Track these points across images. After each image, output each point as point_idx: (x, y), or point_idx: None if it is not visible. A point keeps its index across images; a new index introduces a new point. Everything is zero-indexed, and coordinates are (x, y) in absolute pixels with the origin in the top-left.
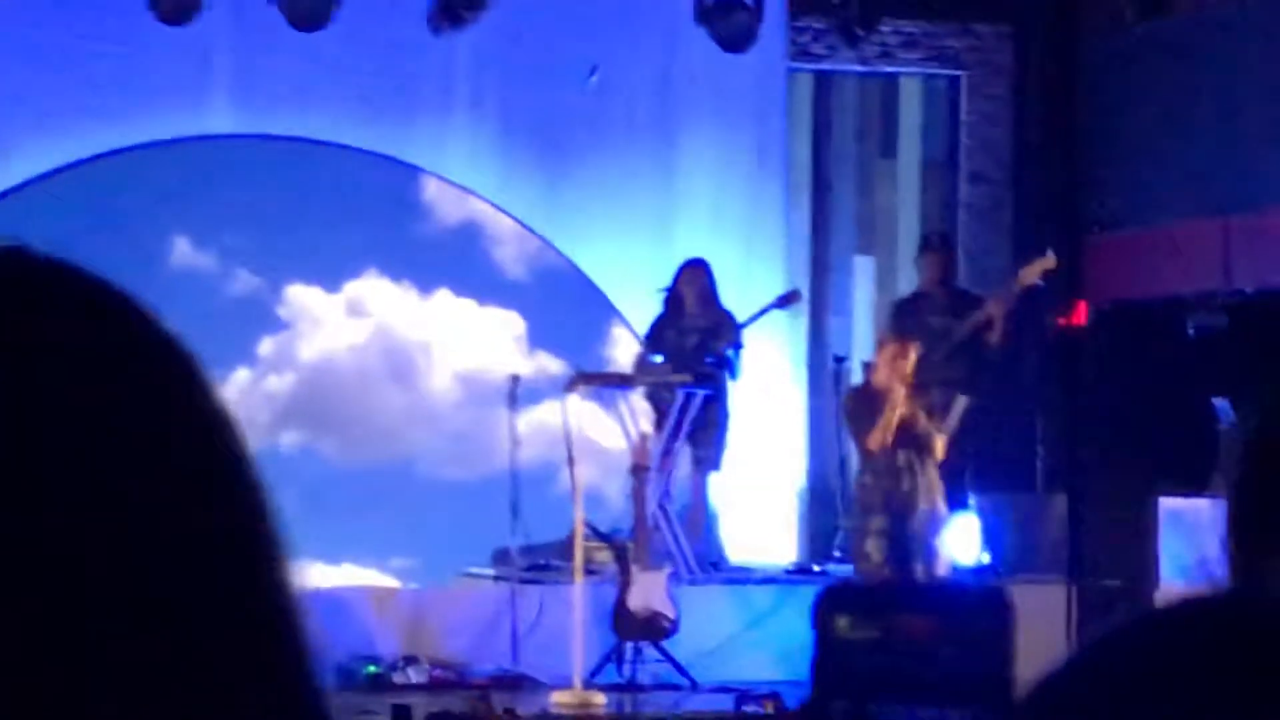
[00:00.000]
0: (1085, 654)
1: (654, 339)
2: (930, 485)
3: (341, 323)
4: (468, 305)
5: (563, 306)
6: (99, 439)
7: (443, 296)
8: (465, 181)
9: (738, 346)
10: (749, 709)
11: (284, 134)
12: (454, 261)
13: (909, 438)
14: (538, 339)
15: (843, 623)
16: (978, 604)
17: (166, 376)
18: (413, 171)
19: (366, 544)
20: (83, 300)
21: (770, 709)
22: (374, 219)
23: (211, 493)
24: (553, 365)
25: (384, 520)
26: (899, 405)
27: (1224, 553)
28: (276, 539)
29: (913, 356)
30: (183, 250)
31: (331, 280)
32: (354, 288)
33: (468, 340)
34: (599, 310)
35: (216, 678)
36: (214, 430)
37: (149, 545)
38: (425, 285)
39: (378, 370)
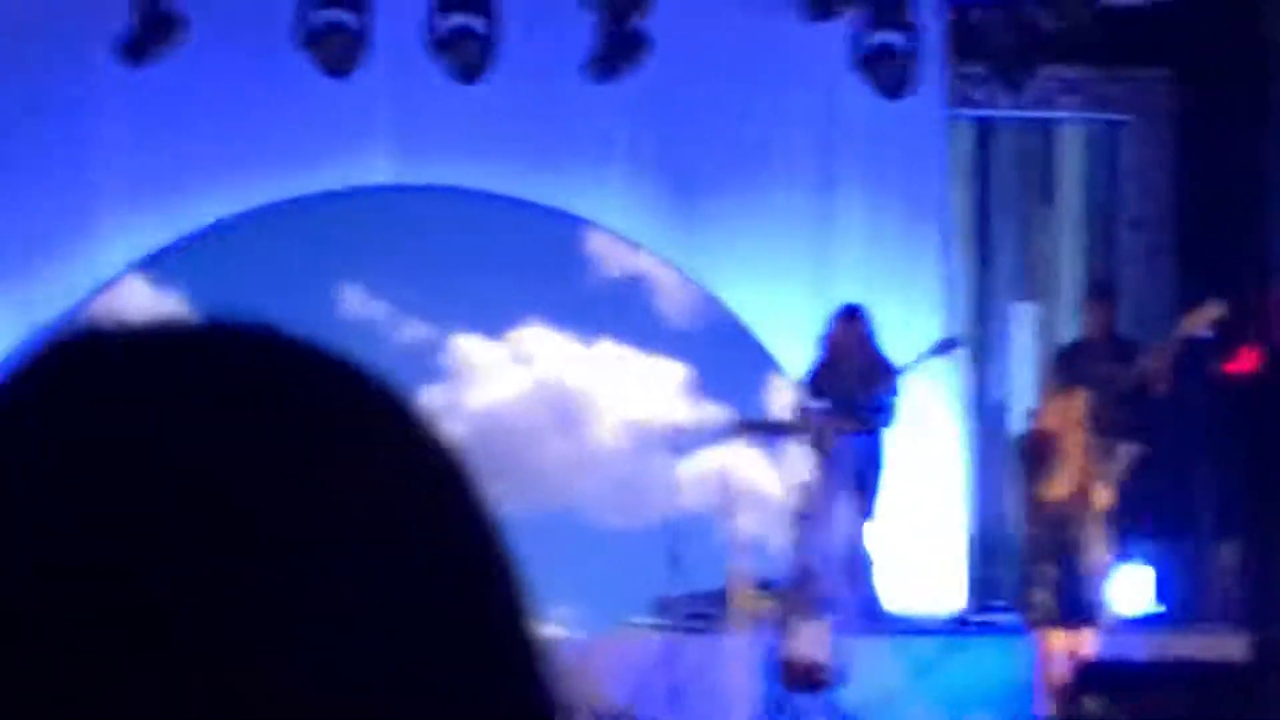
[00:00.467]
0: None
1: (812, 386)
2: (1099, 534)
3: (505, 372)
4: (630, 354)
5: (725, 355)
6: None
7: (605, 345)
8: (621, 229)
9: (895, 393)
10: None
11: (443, 185)
12: (616, 311)
13: (1078, 487)
14: (701, 388)
15: (1093, 705)
16: (1226, 682)
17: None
18: (575, 222)
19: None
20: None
21: None
22: (536, 269)
23: (450, 545)
24: (716, 414)
25: (547, 569)
26: (1068, 453)
27: None
28: (519, 590)
29: (1081, 404)
30: (351, 300)
31: (494, 329)
32: (517, 337)
33: (631, 389)
34: (759, 359)
35: None
36: (446, 480)
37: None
38: (588, 334)
39: (541, 419)
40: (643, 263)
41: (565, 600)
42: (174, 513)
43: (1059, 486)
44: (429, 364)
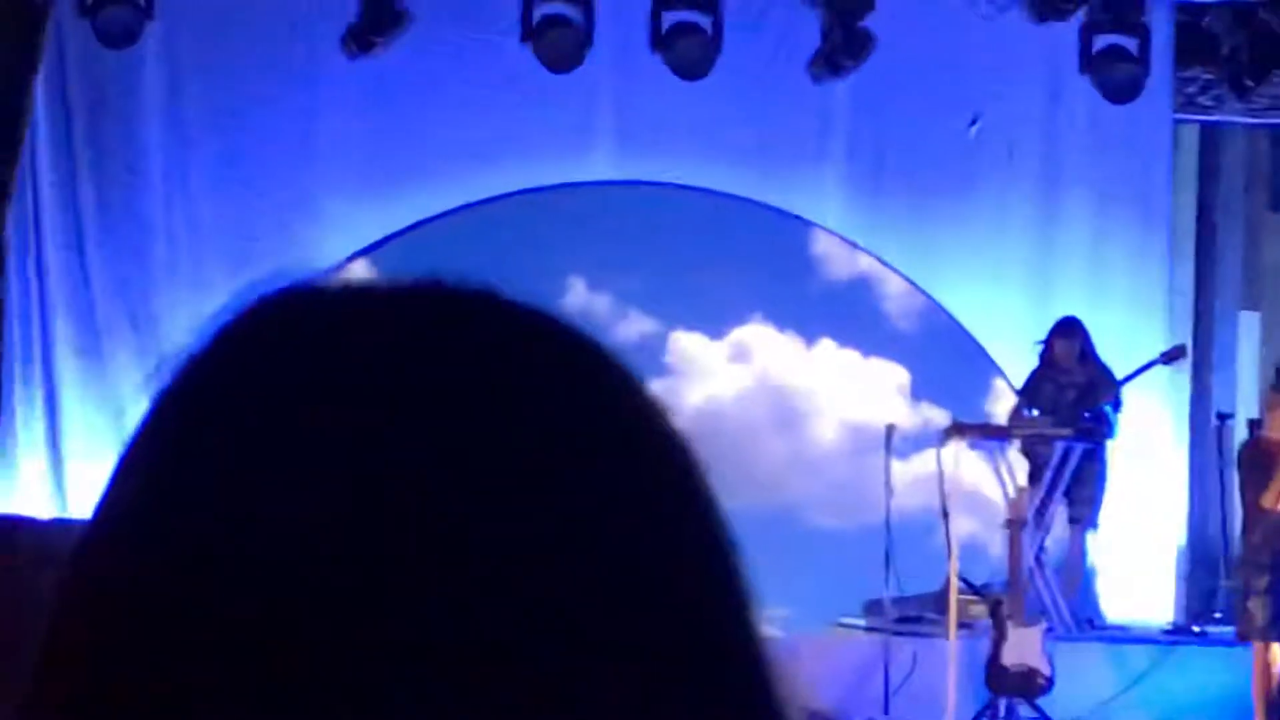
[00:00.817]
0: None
1: (1030, 392)
2: None
3: (725, 370)
4: (851, 356)
5: (946, 359)
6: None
7: (826, 346)
8: (841, 228)
9: (1117, 403)
10: None
11: (669, 181)
12: (837, 312)
13: None
14: (921, 390)
15: None
16: None
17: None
18: (800, 223)
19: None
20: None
21: None
22: (759, 268)
23: (687, 538)
24: (936, 416)
25: (763, 568)
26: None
27: None
28: (748, 586)
29: None
30: (576, 292)
31: (717, 327)
32: (738, 335)
33: (852, 390)
34: (980, 363)
35: None
36: (682, 469)
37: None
38: (809, 335)
39: (761, 418)
40: (865, 265)
41: (779, 600)
42: (403, 470)
43: (1274, 494)
44: (651, 359)
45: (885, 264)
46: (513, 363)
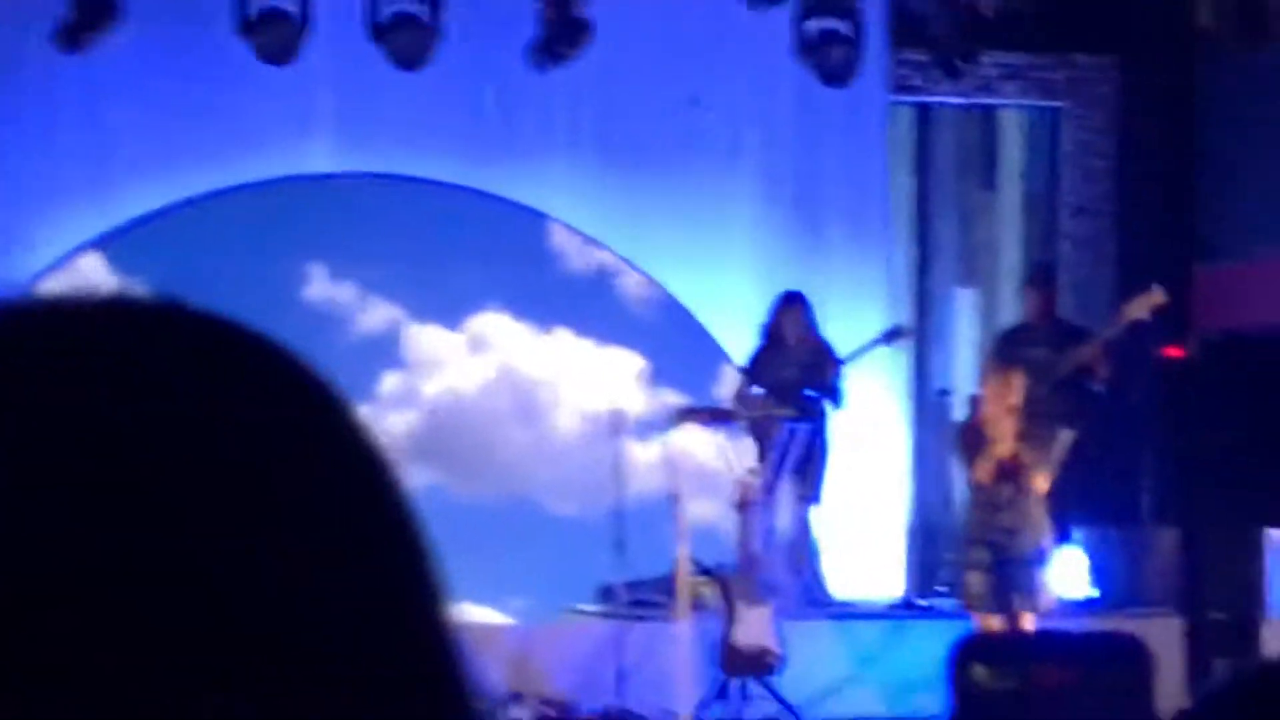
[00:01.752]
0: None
1: (753, 372)
2: (1036, 519)
3: (464, 360)
4: (588, 345)
5: (679, 346)
6: (251, 484)
7: (563, 336)
8: (566, 217)
9: (839, 380)
10: None
11: (386, 172)
12: (573, 301)
13: (1014, 471)
14: (658, 377)
15: (980, 673)
16: (1116, 653)
17: (317, 418)
18: (532, 215)
19: (485, 582)
20: (237, 355)
21: None
22: (495, 259)
23: (369, 534)
24: (674, 402)
25: (503, 558)
26: (1004, 437)
27: None
28: (435, 579)
29: (1018, 387)
30: (318, 281)
31: (453, 318)
32: (476, 325)
33: (590, 378)
34: (709, 349)
35: None
36: (363, 467)
37: (305, 589)
38: (545, 324)
39: (501, 408)
40: (598, 255)
41: (522, 590)
42: (85, 487)
43: (995, 471)
44: (390, 350)
45: (615, 253)
46: (189, 374)
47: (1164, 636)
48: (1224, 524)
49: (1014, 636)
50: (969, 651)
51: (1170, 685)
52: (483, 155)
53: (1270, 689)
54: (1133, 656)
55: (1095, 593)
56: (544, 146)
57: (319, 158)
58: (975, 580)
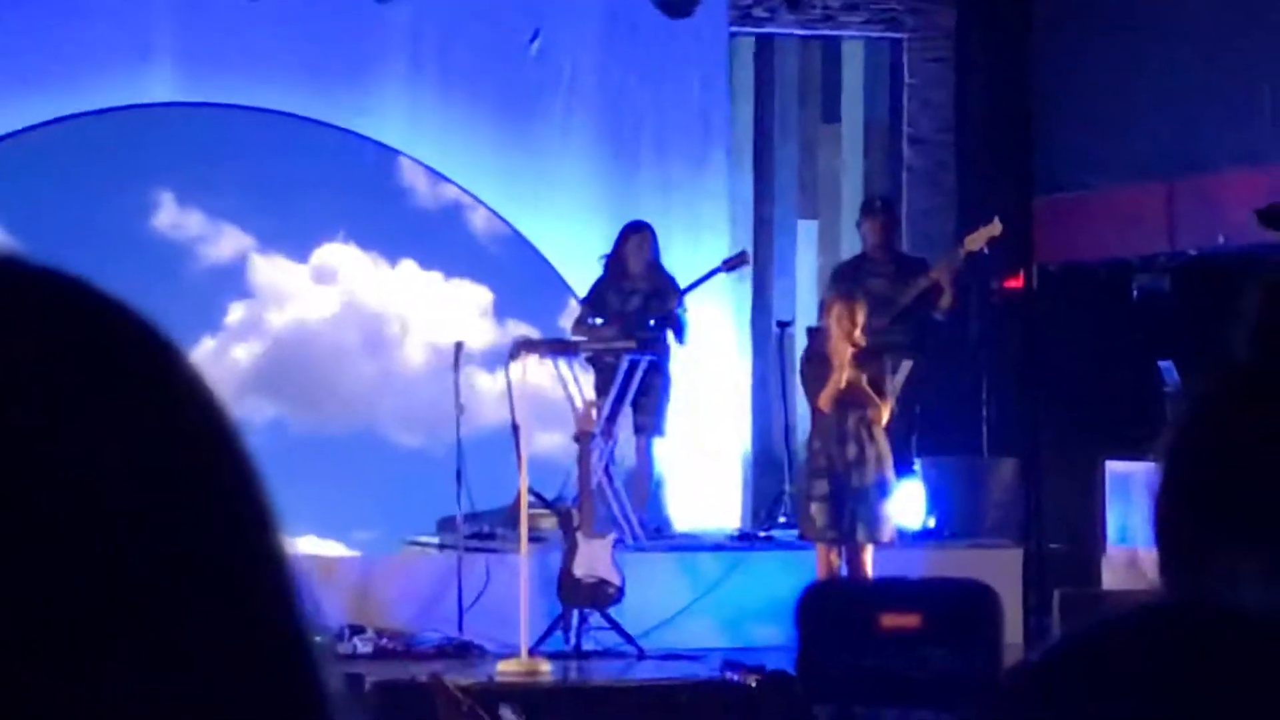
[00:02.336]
0: (1038, 664)
1: (594, 302)
2: (877, 450)
3: (310, 291)
4: (435, 277)
5: (525, 278)
6: (76, 425)
7: (409, 268)
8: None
9: (682, 310)
10: (732, 676)
11: (227, 102)
12: (420, 234)
13: (855, 401)
14: (505, 310)
15: (827, 622)
16: (963, 599)
17: (143, 361)
18: (383, 150)
19: (328, 515)
20: (55, 301)
21: (753, 681)
22: (340, 190)
23: (198, 467)
24: (522, 334)
25: (346, 491)
26: (845, 367)
27: (1156, 542)
28: (269, 511)
29: (860, 318)
30: (158, 215)
31: (300, 250)
32: (322, 256)
33: (436, 311)
34: (555, 283)
35: (210, 657)
36: (191, 404)
37: (137, 524)
38: (392, 256)
39: (346, 339)
40: (447, 191)
41: (359, 520)
42: None
43: (837, 401)
44: (238, 280)
45: (461, 188)
46: (20, 325)
47: (1003, 567)
48: (1063, 455)
49: (861, 583)
50: (815, 598)
51: (1009, 616)
52: (327, 88)
53: (1107, 648)
54: (980, 602)
55: (933, 523)
56: (387, 79)
57: (160, 86)
58: (816, 511)
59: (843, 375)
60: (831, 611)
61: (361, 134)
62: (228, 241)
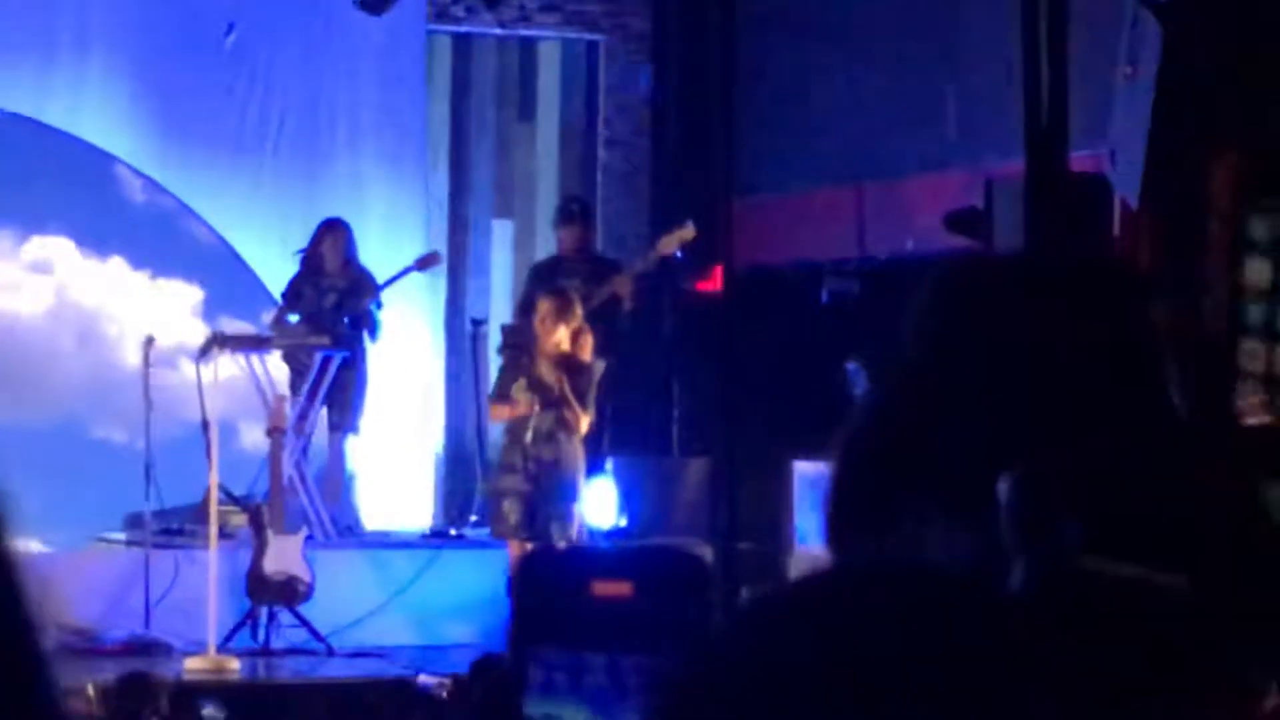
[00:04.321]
0: (717, 638)
1: (290, 298)
2: (571, 449)
3: (23, 282)
4: (142, 277)
5: (233, 280)
6: None
7: (119, 264)
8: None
9: (377, 307)
10: (428, 689)
11: None
12: (133, 233)
13: (551, 402)
14: (215, 308)
15: (540, 590)
16: (675, 566)
17: None
18: (95, 152)
19: (26, 510)
20: None
21: (449, 688)
22: (57, 186)
23: None
24: (232, 330)
25: (40, 483)
26: (544, 366)
27: (823, 522)
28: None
29: (568, 320)
30: None
31: (12, 243)
32: (34, 250)
33: (145, 308)
34: (258, 287)
35: None
36: None
37: None
38: (104, 252)
39: (57, 333)
40: (160, 199)
41: (51, 515)
42: None
43: (527, 399)
44: None
45: (175, 198)
46: None
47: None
48: (752, 455)
49: (572, 553)
50: (529, 567)
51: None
52: (11, 71)
53: (799, 604)
54: (690, 569)
55: (624, 522)
56: (78, 67)
57: None
58: (508, 508)
59: (539, 372)
60: (545, 581)
61: (78, 137)
62: None
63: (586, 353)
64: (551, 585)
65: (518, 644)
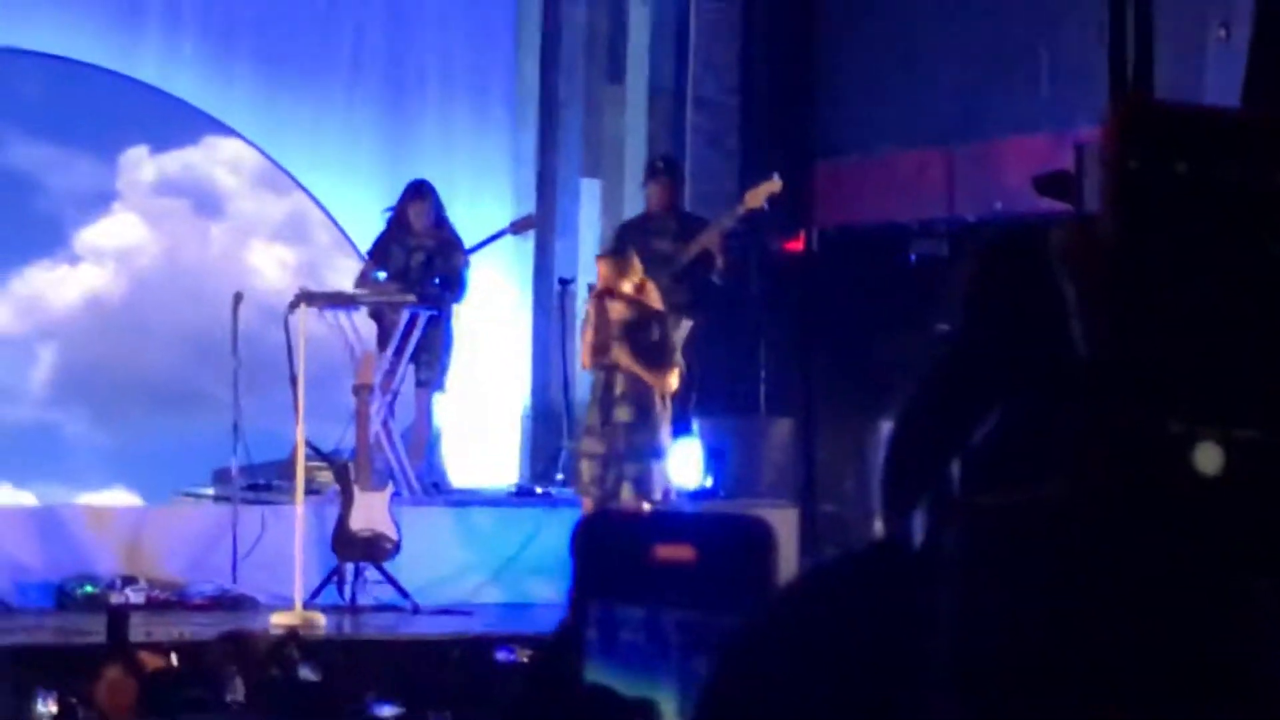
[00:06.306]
0: (770, 607)
1: (377, 256)
2: (655, 409)
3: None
4: (237, 235)
5: (319, 236)
6: None
7: (216, 224)
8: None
9: (465, 268)
10: (504, 658)
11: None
12: (226, 192)
13: (628, 358)
14: (305, 266)
15: (603, 553)
16: (739, 531)
17: None
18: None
19: (107, 464)
20: None
21: (525, 657)
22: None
23: None
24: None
25: (115, 439)
26: (611, 328)
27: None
28: None
29: (629, 275)
30: None
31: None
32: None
33: (241, 267)
34: (337, 237)
35: None
36: None
37: None
38: (204, 213)
39: (162, 287)
40: (251, 155)
41: (136, 470)
42: None
43: (609, 358)
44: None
45: (246, 140)
46: None
47: (779, 526)
48: (839, 417)
49: (635, 515)
50: (590, 530)
51: (784, 575)
52: (109, 32)
53: (871, 566)
54: (755, 535)
55: (710, 482)
56: (171, 27)
57: None
58: (585, 468)
59: (607, 336)
60: (606, 543)
61: (139, 80)
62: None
63: (655, 301)
64: (611, 547)
65: (578, 606)
